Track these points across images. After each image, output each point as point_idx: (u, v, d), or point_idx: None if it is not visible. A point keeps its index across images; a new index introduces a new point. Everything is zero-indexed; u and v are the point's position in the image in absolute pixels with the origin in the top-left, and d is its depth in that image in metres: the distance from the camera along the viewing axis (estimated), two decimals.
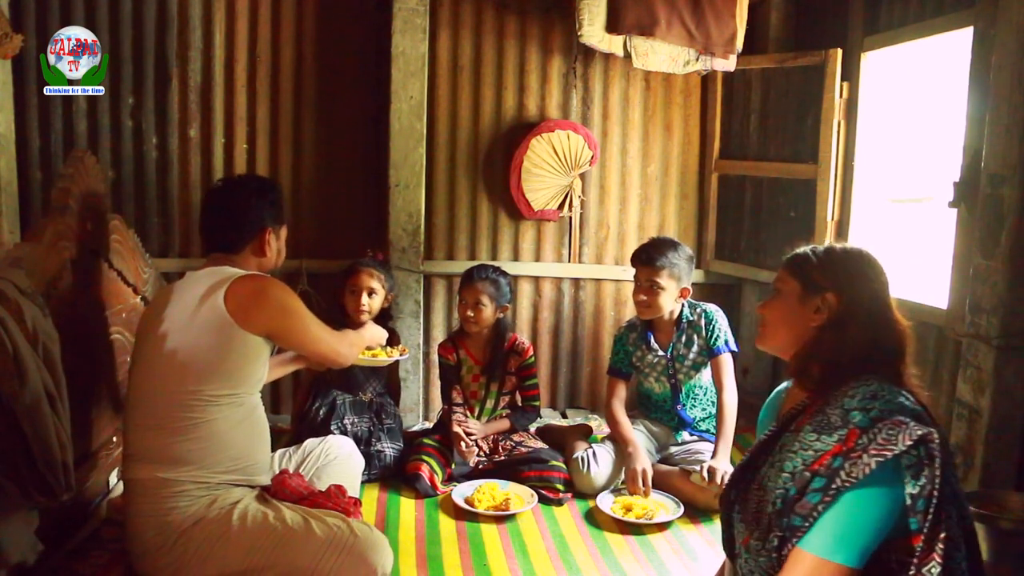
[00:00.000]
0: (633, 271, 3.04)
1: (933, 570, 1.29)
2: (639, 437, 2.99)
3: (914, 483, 1.31)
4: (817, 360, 1.49)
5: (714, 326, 3.00)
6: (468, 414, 3.17)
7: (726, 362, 2.99)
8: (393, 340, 3.27)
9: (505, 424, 3.18)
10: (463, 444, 3.00)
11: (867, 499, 1.32)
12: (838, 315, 1.49)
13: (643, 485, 2.80)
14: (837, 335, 1.48)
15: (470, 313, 3.10)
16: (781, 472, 1.44)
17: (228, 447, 2.04)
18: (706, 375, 3.08)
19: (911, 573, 1.32)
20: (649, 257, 2.96)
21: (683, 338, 3.04)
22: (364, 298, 3.10)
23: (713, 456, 2.84)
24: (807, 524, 1.34)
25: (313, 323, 2.21)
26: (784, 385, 1.71)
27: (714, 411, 3.11)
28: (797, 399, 1.55)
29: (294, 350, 2.42)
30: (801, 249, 1.59)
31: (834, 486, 1.32)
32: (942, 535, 1.30)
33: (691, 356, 3.04)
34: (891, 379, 1.45)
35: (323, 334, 2.25)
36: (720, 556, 1.85)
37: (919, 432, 1.30)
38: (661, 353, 3.06)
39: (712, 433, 3.06)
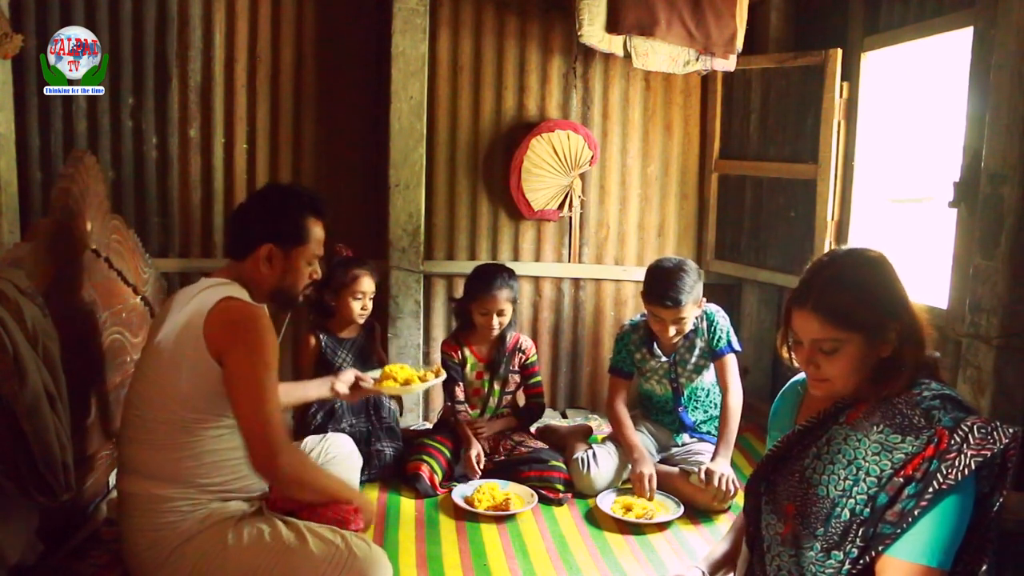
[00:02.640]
0: (641, 285, 2.94)
1: (981, 569, 1.29)
2: (640, 439, 2.99)
3: (989, 482, 1.30)
4: (895, 378, 1.45)
5: (716, 327, 2.98)
6: (470, 412, 3.18)
7: (730, 363, 2.97)
8: (373, 336, 3.27)
9: (512, 421, 3.19)
10: (474, 461, 2.97)
11: (963, 501, 1.30)
12: (903, 335, 1.46)
13: (649, 490, 2.80)
14: (910, 349, 1.45)
15: (495, 322, 3.06)
16: (837, 469, 1.40)
17: (221, 468, 1.97)
18: (708, 377, 3.07)
19: (957, 569, 1.31)
20: (676, 301, 2.79)
21: (686, 342, 3.03)
22: (368, 303, 3.11)
23: (713, 458, 2.84)
24: (897, 531, 1.31)
25: (269, 388, 1.88)
26: (801, 377, 1.67)
27: (715, 413, 3.10)
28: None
29: (229, 398, 1.91)
30: (832, 293, 1.46)
31: (931, 490, 1.29)
32: (990, 534, 1.31)
33: (693, 360, 3.03)
34: (930, 366, 1.45)
35: (271, 410, 1.87)
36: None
37: (1011, 429, 1.29)
38: (664, 359, 3.05)
39: (713, 435, 3.05)
